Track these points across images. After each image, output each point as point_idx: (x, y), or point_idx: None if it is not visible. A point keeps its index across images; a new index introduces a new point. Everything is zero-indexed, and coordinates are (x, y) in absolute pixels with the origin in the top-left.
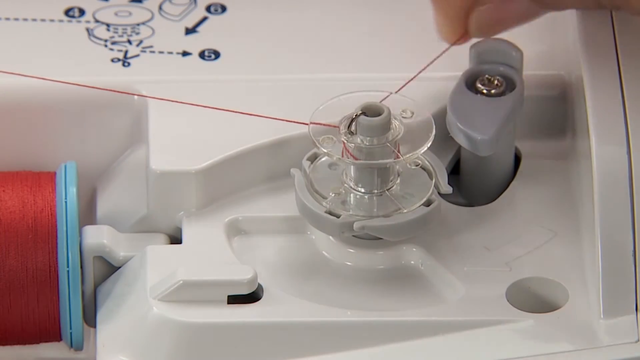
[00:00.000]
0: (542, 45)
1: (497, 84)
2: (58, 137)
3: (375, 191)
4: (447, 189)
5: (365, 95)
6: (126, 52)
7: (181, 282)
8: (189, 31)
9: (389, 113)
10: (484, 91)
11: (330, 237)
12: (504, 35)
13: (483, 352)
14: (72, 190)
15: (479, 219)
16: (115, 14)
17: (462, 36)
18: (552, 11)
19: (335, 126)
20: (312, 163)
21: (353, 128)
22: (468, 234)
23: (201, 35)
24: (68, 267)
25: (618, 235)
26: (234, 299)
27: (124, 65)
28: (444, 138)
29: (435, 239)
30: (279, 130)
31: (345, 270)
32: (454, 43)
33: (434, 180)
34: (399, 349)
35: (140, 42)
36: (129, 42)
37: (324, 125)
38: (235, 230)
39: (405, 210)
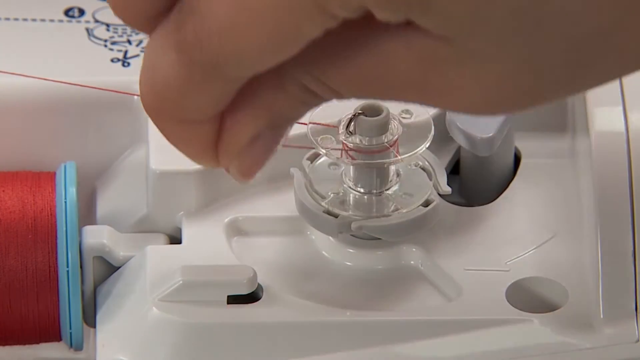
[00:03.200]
0: None
1: None
2: (58, 137)
3: (375, 191)
4: (447, 189)
5: None
6: (126, 52)
7: (181, 282)
8: None
9: (388, 113)
10: None
11: (330, 237)
12: None
13: (483, 352)
14: (72, 190)
15: (479, 219)
16: None
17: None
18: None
19: (334, 126)
20: (311, 163)
21: (352, 128)
22: (468, 234)
23: None
24: (68, 267)
25: (618, 235)
26: (234, 299)
27: (124, 65)
28: (443, 138)
29: (435, 239)
30: None
31: (345, 270)
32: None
33: (433, 181)
34: (399, 349)
35: (140, 42)
36: (129, 42)
37: (323, 125)
38: (235, 230)
39: (404, 211)
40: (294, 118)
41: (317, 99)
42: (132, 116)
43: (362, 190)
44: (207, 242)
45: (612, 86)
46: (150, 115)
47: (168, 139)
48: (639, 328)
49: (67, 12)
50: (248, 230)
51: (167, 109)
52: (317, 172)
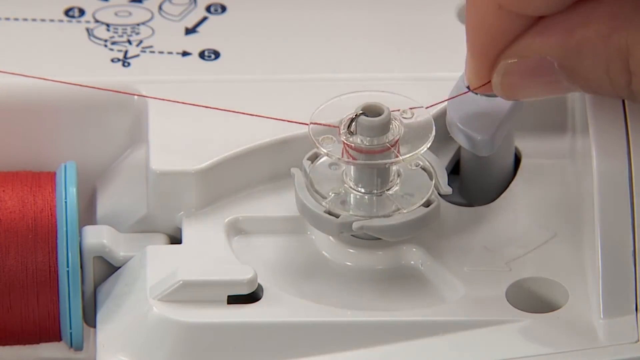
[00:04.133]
0: None
1: None
2: (58, 137)
3: (375, 191)
4: (447, 189)
5: (365, 95)
6: (126, 52)
7: (181, 282)
8: (189, 31)
9: (389, 113)
10: None
11: (330, 237)
12: None
13: (483, 352)
14: (72, 190)
15: (478, 219)
16: (115, 14)
17: (484, 85)
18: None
19: (335, 126)
20: (312, 163)
21: (353, 128)
22: (468, 234)
23: (201, 35)
24: (68, 267)
25: (618, 236)
26: (234, 299)
27: (124, 65)
28: (444, 138)
29: (435, 239)
30: (279, 130)
31: (345, 270)
32: (475, 89)
33: (433, 181)
34: (399, 349)
35: (140, 42)
36: (129, 42)
37: (324, 125)
38: (235, 230)
39: (404, 211)
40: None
41: None
42: (132, 116)
43: (362, 190)
44: (207, 242)
45: None
46: None
47: (470, 17)
48: (639, 328)
49: (67, 12)
50: (248, 230)
51: None
52: (317, 172)
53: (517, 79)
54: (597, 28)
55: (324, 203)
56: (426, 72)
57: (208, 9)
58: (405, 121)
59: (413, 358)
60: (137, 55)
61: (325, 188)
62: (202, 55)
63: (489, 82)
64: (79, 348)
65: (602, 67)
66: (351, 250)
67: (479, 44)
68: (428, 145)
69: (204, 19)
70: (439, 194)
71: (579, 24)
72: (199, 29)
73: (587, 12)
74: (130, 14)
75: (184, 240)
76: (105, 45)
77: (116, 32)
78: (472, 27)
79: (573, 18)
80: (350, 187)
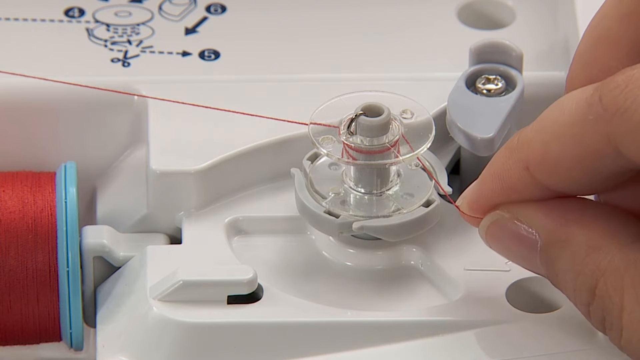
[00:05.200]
0: (542, 45)
1: (497, 84)
2: (58, 137)
3: (375, 191)
4: (447, 189)
5: (365, 95)
6: (126, 52)
7: (181, 282)
8: (189, 31)
9: (389, 113)
10: (484, 91)
11: (330, 237)
12: (503, 35)
13: (483, 352)
14: (72, 191)
15: None
16: (115, 14)
17: (472, 217)
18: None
19: (335, 126)
20: (312, 163)
21: (353, 128)
22: (468, 234)
23: (201, 35)
24: (68, 267)
25: None
26: (234, 299)
27: (123, 65)
28: (444, 138)
29: (435, 239)
30: (279, 130)
31: (345, 271)
32: (463, 215)
33: (433, 181)
34: (399, 349)
35: (140, 42)
36: (129, 42)
37: (323, 125)
38: (235, 230)
39: (404, 211)
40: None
41: None
42: (132, 116)
43: (362, 190)
44: (207, 242)
45: None
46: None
47: (496, 161)
48: None
49: (67, 12)
50: (248, 230)
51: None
52: (317, 172)
53: (503, 235)
54: (586, 236)
55: (323, 203)
56: (426, 72)
57: (208, 9)
58: (405, 121)
59: (413, 358)
60: (137, 55)
61: (325, 188)
62: (202, 55)
63: (479, 218)
64: (79, 348)
65: (573, 273)
66: (351, 250)
67: (490, 187)
68: (428, 146)
69: (204, 19)
70: (439, 194)
71: (575, 222)
72: (199, 29)
73: (587, 215)
74: (130, 14)
75: (184, 240)
76: (105, 45)
77: (116, 32)
78: (492, 171)
79: (575, 213)
80: (350, 187)
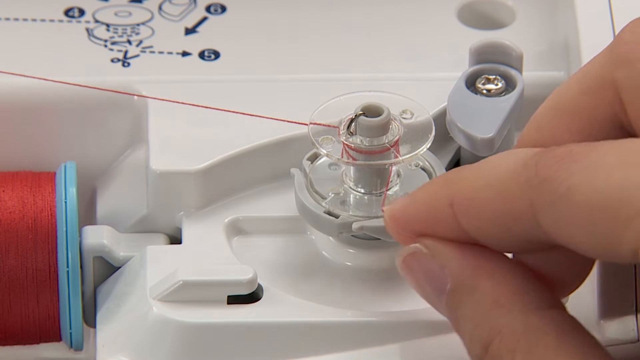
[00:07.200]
0: (542, 45)
1: (497, 84)
2: (58, 137)
3: (375, 192)
4: None
5: (365, 95)
6: (126, 52)
7: (181, 282)
8: (189, 31)
9: (389, 114)
10: (484, 91)
11: (330, 237)
12: (503, 35)
13: None
14: (72, 191)
15: None
16: (115, 14)
17: (391, 229)
18: None
19: (335, 126)
20: (312, 163)
21: (353, 128)
22: None
23: (201, 35)
24: (68, 267)
25: None
26: (234, 299)
27: (123, 65)
28: (444, 138)
29: None
30: (279, 130)
31: (345, 271)
32: (388, 227)
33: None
34: (399, 349)
35: (140, 42)
36: (129, 42)
37: (323, 125)
38: (235, 230)
39: None
40: None
41: None
42: (132, 116)
43: (362, 190)
44: (207, 242)
45: None
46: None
47: (423, 190)
48: (638, 328)
49: (67, 12)
50: (248, 230)
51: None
52: (317, 173)
53: (418, 268)
54: (493, 290)
55: (323, 203)
56: (426, 72)
57: (208, 9)
58: (405, 121)
59: (412, 358)
60: (137, 56)
61: (325, 188)
62: (202, 55)
63: (404, 238)
64: (79, 348)
65: (473, 324)
66: (351, 250)
67: (417, 209)
68: (428, 146)
69: (204, 19)
70: None
71: (486, 274)
72: (198, 29)
73: (500, 269)
74: (130, 14)
75: (184, 240)
76: (105, 45)
77: (116, 32)
78: (425, 195)
79: (489, 264)
80: (350, 188)
